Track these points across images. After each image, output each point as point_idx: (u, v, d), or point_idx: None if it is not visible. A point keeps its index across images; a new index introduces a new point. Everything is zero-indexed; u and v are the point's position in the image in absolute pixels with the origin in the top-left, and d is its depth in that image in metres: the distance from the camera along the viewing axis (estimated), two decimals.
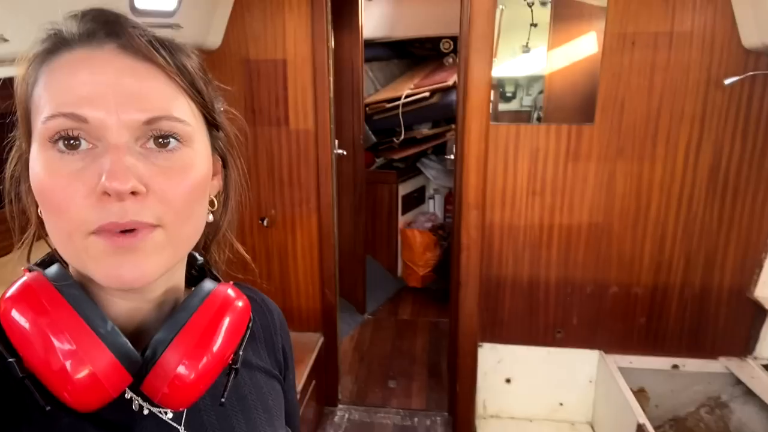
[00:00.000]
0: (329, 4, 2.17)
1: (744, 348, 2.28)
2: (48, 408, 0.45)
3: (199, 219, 0.53)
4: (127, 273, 0.46)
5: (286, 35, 2.21)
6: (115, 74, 0.46)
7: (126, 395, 0.52)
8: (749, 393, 2.17)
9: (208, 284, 0.55)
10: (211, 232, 0.61)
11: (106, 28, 0.47)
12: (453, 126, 3.79)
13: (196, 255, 0.62)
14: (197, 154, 0.50)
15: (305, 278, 2.51)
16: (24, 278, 0.48)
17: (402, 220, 3.95)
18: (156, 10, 1.70)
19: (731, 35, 1.98)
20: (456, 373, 2.44)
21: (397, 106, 3.63)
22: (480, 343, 2.41)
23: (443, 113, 3.72)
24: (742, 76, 1.95)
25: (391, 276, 3.97)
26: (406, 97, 3.60)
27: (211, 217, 0.57)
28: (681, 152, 2.13)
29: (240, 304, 0.55)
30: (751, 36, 1.92)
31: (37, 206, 0.50)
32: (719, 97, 2.05)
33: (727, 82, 1.95)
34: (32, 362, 0.45)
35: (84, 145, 0.45)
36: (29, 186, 0.48)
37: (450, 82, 3.48)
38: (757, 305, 2.19)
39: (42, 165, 0.45)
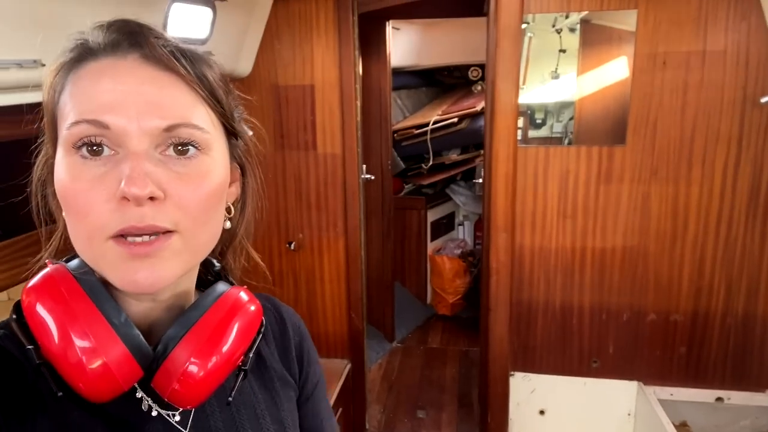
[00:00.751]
0: (356, 30, 2.21)
1: None
2: (60, 394, 0.46)
3: (215, 225, 0.54)
4: (142, 278, 0.47)
5: (314, 62, 2.25)
6: (137, 83, 0.47)
7: (137, 395, 0.52)
8: None
9: (221, 286, 0.56)
10: (227, 238, 0.62)
11: (130, 39, 0.49)
12: (482, 152, 3.78)
13: (213, 261, 0.62)
14: (215, 161, 0.52)
15: (332, 303, 2.49)
16: (47, 269, 0.50)
17: (431, 246, 3.92)
18: (189, 38, 1.75)
19: (766, 53, 1.92)
20: (487, 403, 2.37)
21: (426, 132, 3.64)
22: (512, 372, 2.34)
23: (472, 139, 3.71)
24: None
25: (420, 303, 3.92)
26: (435, 123, 3.62)
27: (228, 224, 0.59)
28: (718, 173, 2.06)
29: (252, 307, 0.55)
30: None
31: (62, 209, 0.51)
32: (756, 116, 1.98)
33: (764, 100, 1.90)
34: (49, 350, 0.46)
35: (106, 151, 0.47)
36: (54, 190, 0.50)
37: (478, 108, 3.48)
38: None
39: (65, 169, 0.47)
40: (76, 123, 0.46)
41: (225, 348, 0.51)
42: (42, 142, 0.54)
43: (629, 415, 2.33)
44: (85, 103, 0.47)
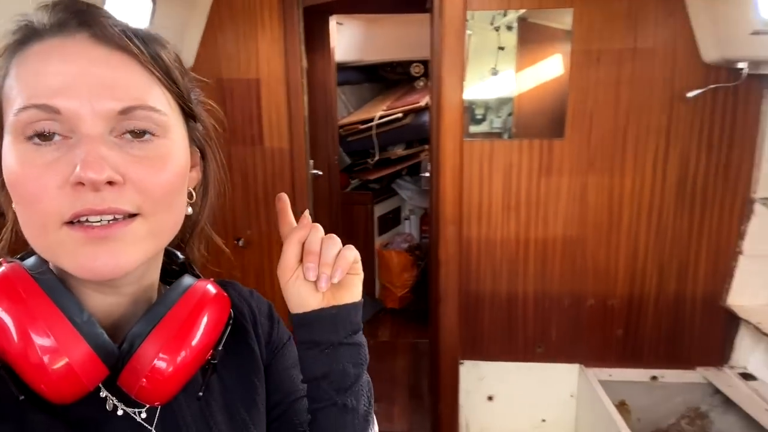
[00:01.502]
0: (302, 24, 2.19)
1: (720, 357, 2.30)
2: (22, 398, 0.44)
3: (179, 210, 0.52)
4: (101, 264, 0.45)
5: (260, 55, 2.22)
6: (88, 64, 0.45)
7: (101, 394, 0.51)
8: (728, 402, 2.18)
9: (187, 279, 0.54)
10: (189, 226, 0.60)
11: (78, 18, 0.46)
12: (426, 146, 3.83)
13: (176, 252, 0.61)
14: (174, 144, 0.50)
15: (282, 300, 2.46)
16: (1, 268, 0.47)
17: (378, 241, 3.94)
18: None
19: (692, 50, 2.05)
20: (438, 392, 2.41)
21: (371, 128, 3.66)
22: (461, 361, 2.39)
23: (416, 134, 3.76)
24: (704, 89, 2.02)
25: (369, 298, 3.94)
26: (380, 118, 3.64)
27: (190, 210, 0.57)
28: (649, 164, 2.18)
29: (220, 298, 0.54)
30: (709, 51, 2.00)
31: (11, 201, 0.48)
32: (683, 110, 2.11)
33: (690, 95, 2.02)
34: (8, 352, 0.44)
35: (57, 137, 0.44)
36: (2, 180, 0.47)
37: (422, 103, 3.53)
38: (730, 313, 2.23)
39: (15, 157, 0.45)
40: (24, 108, 0.44)
41: (193, 343, 0.50)
42: None
43: (572, 396, 2.43)
44: (32, 87, 0.44)
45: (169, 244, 0.56)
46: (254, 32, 2.20)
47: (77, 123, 0.44)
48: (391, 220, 4.13)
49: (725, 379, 2.23)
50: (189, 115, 0.54)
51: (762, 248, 2.16)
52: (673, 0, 2.01)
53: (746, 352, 2.26)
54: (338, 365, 0.58)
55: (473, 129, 2.21)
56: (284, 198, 0.62)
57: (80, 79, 0.44)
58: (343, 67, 3.77)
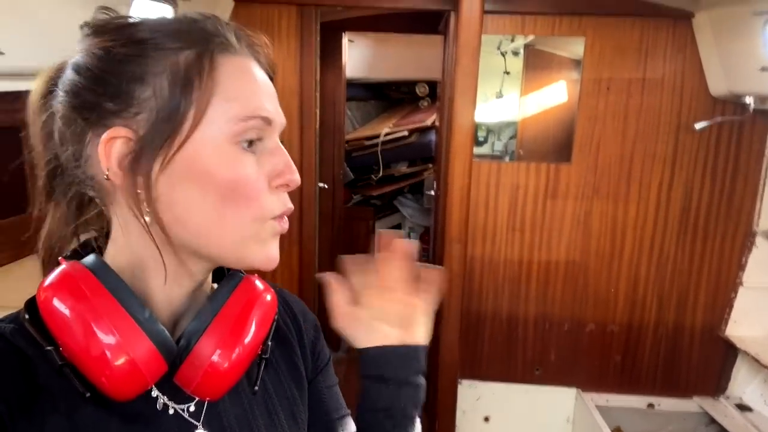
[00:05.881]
0: (318, 39, 2.22)
1: (716, 387, 2.32)
2: (88, 395, 0.45)
3: None
4: (276, 255, 0.53)
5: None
6: (267, 82, 0.53)
7: (152, 392, 0.52)
8: None
9: (236, 275, 0.56)
10: None
11: (246, 41, 0.53)
12: (430, 165, 3.86)
13: None
14: None
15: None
16: (62, 267, 0.48)
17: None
18: None
19: (699, 83, 2.10)
20: (435, 411, 2.40)
21: (376, 144, 3.69)
22: (459, 380, 2.39)
23: (420, 152, 3.79)
24: (711, 122, 2.06)
25: None
26: (386, 135, 3.67)
27: None
28: (654, 193, 2.21)
29: (268, 295, 0.55)
30: (717, 84, 2.05)
31: (64, 196, 0.53)
32: (689, 141, 2.15)
33: (698, 126, 2.06)
34: (71, 349, 0.45)
35: (258, 144, 0.51)
36: (105, 176, 0.48)
37: (428, 123, 3.56)
38: (728, 344, 2.25)
39: (230, 159, 0.49)
40: (251, 118, 0.49)
41: (247, 338, 0.51)
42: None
43: (568, 420, 2.43)
44: (251, 98, 0.50)
45: None
46: (270, 43, 2.22)
47: (272, 133, 0.52)
48: None
49: (721, 410, 2.24)
50: None
51: (762, 280, 2.19)
52: (683, 34, 2.07)
53: (743, 383, 2.28)
54: (400, 403, 0.63)
55: (475, 151, 2.22)
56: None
57: (272, 95, 0.53)
58: (350, 84, 3.81)
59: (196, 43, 0.48)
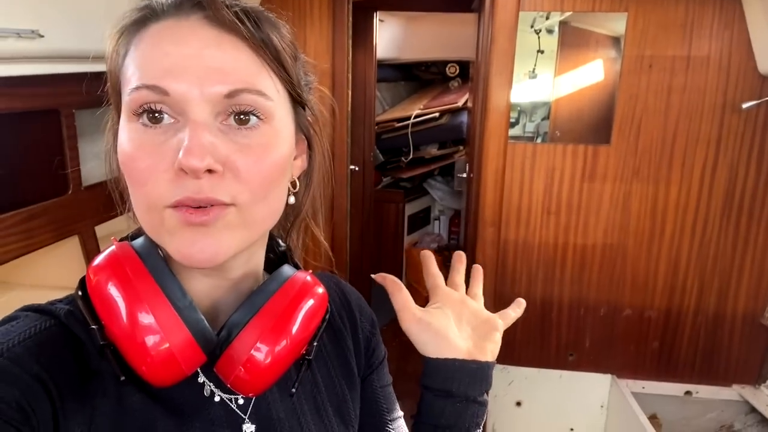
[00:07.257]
0: (350, 19, 2.19)
1: (758, 375, 2.25)
2: (123, 378, 0.44)
3: (276, 200, 0.51)
4: (198, 251, 0.45)
5: (307, 48, 2.22)
6: (199, 45, 0.45)
7: (199, 379, 0.51)
8: (764, 421, 2.14)
9: (287, 270, 0.54)
10: (292, 214, 0.60)
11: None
12: (461, 147, 3.81)
13: (279, 240, 0.60)
14: (278, 132, 0.49)
15: None
16: (112, 247, 0.47)
17: (407, 239, 3.93)
18: None
19: (747, 61, 2.00)
20: None
21: (406, 126, 3.65)
22: None
23: (451, 134, 3.74)
24: (759, 101, 1.97)
25: None
26: (416, 117, 3.62)
27: (292, 199, 0.56)
28: (696, 175, 2.13)
29: (318, 291, 0.53)
30: (766, 62, 1.95)
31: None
32: (735, 121, 2.06)
33: (745, 106, 1.97)
34: (113, 331, 0.44)
35: (167, 119, 0.45)
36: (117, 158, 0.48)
37: (459, 104, 3.51)
38: None
39: (127, 137, 0.46)
40: (137, 88, 0.44)
41: (290, 336, 0.49)
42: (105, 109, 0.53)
43: (602, 407, 2.40)
44: (146, 68, 0.45)
45: (272, 233, 0.55)
46: (303, 24, 2.20)
47: (185, 106, 0.44)
48: (421, 219, 4.12)
49: (762, 398, 2.18)
50: (297, 102, 0.53)
51: None
52: (731, 9, 1.97)
53: None
54: (464, 422, 0.61)
55: None
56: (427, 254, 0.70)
57: (190, 62, 0.44)
58: (380, 64, 3.77)
59: (125, 24, 0.48)
